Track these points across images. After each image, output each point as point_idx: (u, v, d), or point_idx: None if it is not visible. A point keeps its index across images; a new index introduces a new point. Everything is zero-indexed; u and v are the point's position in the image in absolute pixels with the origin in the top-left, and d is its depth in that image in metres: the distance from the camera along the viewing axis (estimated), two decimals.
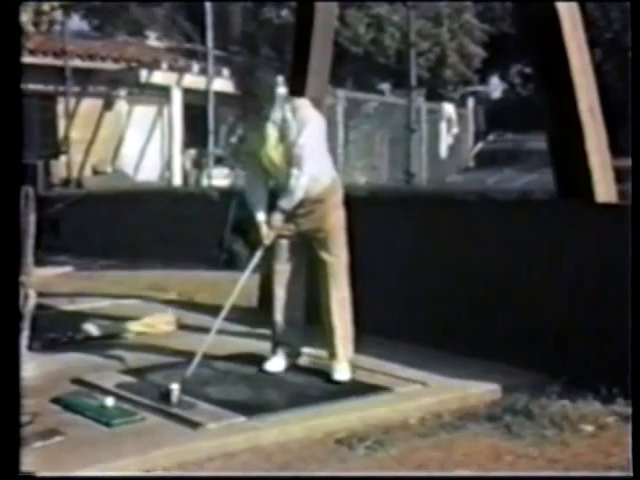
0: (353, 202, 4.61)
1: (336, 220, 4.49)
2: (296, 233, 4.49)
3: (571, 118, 4.71)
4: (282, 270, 4.55)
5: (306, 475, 3.35)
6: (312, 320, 4.60)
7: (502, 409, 4.04)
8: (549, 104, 4.97)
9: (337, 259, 4.47)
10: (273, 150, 4.38)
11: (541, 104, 5.17)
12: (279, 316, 4.58)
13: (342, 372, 4.41)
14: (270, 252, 4.52)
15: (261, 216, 4.40)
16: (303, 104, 4.48)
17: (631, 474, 2.95)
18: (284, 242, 4.52)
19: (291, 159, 4.32)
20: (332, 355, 4.47)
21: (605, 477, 3.33)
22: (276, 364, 4.57)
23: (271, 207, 4.43)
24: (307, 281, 4.60)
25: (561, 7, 4.74)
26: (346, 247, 4.51)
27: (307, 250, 4.54)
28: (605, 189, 4.69)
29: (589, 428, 3.81)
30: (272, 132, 4.37)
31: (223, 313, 4.44)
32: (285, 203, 4.34)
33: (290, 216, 4.40)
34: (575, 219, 4.53)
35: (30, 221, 2.98)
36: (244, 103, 4.74)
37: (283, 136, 4.34)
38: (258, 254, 4.44)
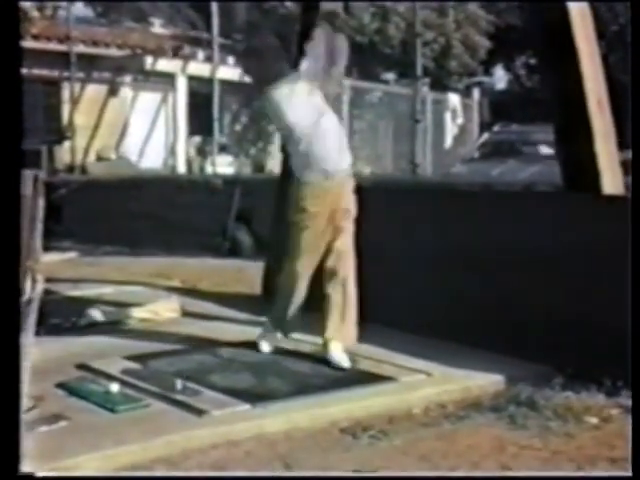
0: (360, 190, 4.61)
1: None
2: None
3: (579, 110, 4.69)
4: (301, 265, 4.56)
5: (313, 475, 3.34)
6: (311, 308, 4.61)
7: (506, 400, 4.04)
8: (557, 96, 4.96)
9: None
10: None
11: (548, 96, 5.15)
12: (285, 307, 4.62)
13: (336, 353, 4.42)
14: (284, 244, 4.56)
15: None
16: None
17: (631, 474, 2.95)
18: (307, 235, 4.54)
19: None
20: (324, 336, 4.49)
21: (605, 477, 3.32)
22: (268, 345, 4.69)
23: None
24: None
25: None
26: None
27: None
28: (612, 181, 4.68)
29: (593, 420, 3.81)
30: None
31: None
32: None
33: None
34: (582, 211, 4.52)
35: (39, 205, 2.97)
36: (256, 87, 4.85)
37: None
38: None
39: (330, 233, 4.51)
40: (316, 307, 4.54)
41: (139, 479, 3.26)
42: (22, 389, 2.91)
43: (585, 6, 4.80)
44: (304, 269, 4.55)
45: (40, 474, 3.02)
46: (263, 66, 4.69)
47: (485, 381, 4.29)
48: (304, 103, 4.52)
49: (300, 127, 4.49)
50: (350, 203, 4.56)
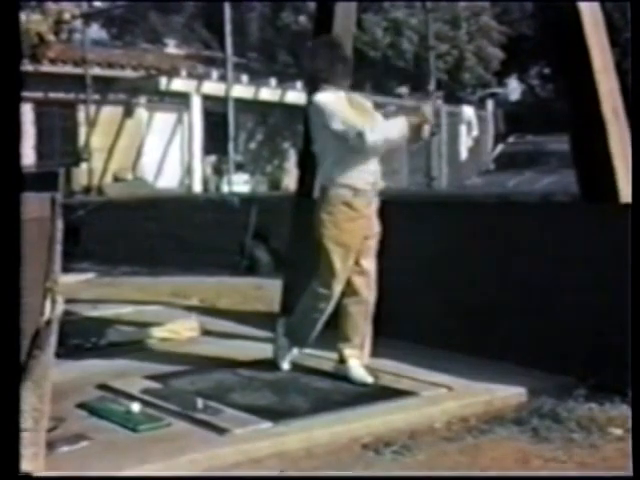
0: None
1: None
2: None
3: (594, 119, 4.67)
4: (334, 287, 4.45)
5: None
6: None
7: (529, 412, 4.00)
8: (572, 105, 4.93)
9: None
10: None
11: (563, 105, 5.13)
12: (312, 326, 4.55)
13: (357, 370, 4.41)
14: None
15: None
16: None
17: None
18: (342, 255, 4.43)
19: None
20: (344, 353, 4.48)
21: (605, 477, 3.29)
22: (287, 362, 4.66)
23: None
24: None
25: (583, 7, 4.70)
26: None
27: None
28: (629, 189, 4.64)
29: (617, 431, 3.76)
30: None
31: None
32: None
33: None
34: (600, 220, 4.49)
35: (57, 227, 2.98)
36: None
37: None
38: None
39: (359, 252, 4.47)
40: (329, 322, 4.53)
41: (141, 479, 3.26)
42: (23, 390, 2.92)
43: (598, 13, 4.79)
44: (336, 291, 4.45)
45: (40, 474, 3.02)
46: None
47: (507, 394, 4.26)
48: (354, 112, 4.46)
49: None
50: (377, 222, 4.53)
